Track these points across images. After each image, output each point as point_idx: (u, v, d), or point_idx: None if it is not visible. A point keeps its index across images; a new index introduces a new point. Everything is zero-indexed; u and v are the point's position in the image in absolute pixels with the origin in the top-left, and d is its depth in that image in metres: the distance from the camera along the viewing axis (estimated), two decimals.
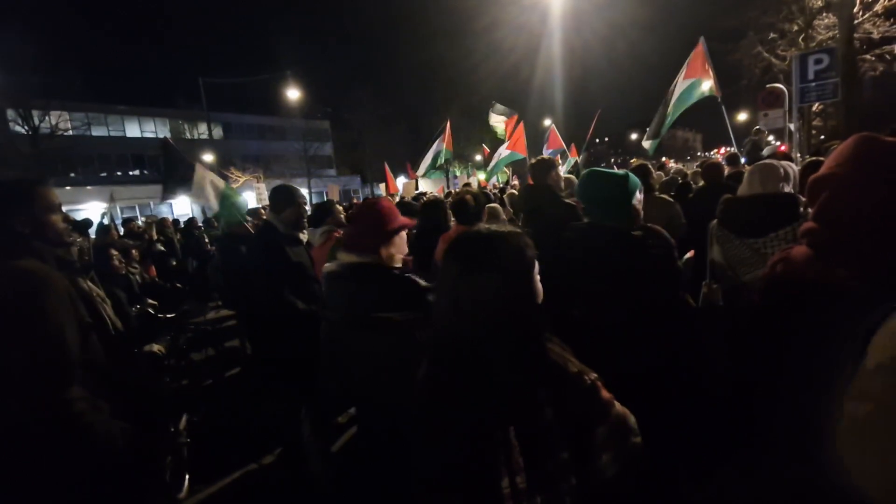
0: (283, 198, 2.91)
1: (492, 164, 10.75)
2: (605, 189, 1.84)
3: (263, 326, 2.67)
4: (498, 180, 13.45)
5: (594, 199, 1.88)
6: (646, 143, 7.78)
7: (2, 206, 1.55)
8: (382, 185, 16.64)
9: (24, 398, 1.39)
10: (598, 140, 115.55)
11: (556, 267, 1.93)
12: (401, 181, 16.05)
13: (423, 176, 11.91)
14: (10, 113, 22.54)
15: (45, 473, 1.43)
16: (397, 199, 9.55)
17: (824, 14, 15.89)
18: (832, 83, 8.24)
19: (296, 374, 2.49)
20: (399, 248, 1.95)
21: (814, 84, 8.38)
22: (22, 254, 1.51)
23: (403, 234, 1.98)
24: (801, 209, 1.96)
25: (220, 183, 4.53)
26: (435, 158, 10.87)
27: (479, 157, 35.18)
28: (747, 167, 4.81)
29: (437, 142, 10.77)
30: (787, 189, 2.07)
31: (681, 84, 6.92)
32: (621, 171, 1.90)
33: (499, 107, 11.50)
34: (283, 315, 2.11)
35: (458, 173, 32.79)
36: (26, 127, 22.64)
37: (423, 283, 1.88)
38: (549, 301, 1.15)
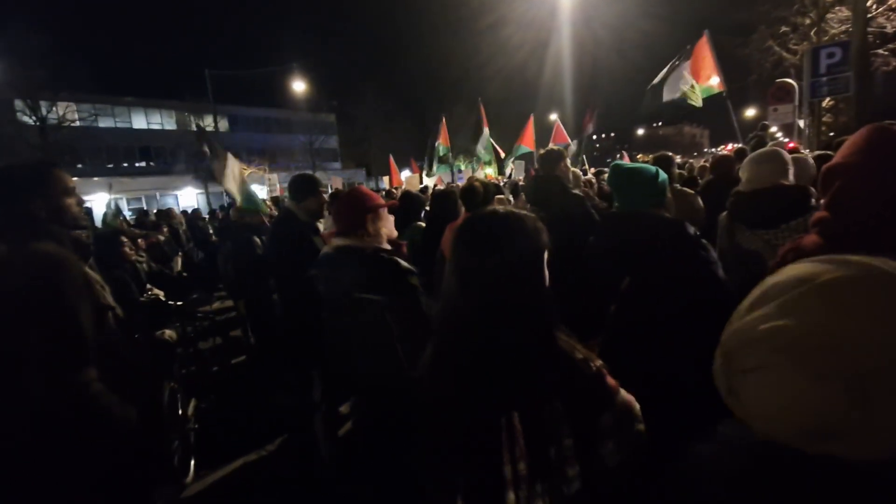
0: (304, 186, 2.94)
1: (502, 156, 10.74)
2: (634, 180, 1.82)
3: (287, 313, 2.70)
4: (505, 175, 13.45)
5: (625, 191, 1.86)
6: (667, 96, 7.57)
7: (19, 190, 1.57)
8: (386, 178, 16.63)
9: (42, 379, 1.42)
10: (603, 135, 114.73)
11: (593, 258, 1.91)
12: (405, 175, 16.06)
13: (429, 175, 11.97)
14: (18, 103, 22.64)
15: (60, 453, 1.45)
16: (401, 191, 9.54)
17: (837, 8, 15.65)
18: (844, 77, 8.14)
19: (315, 360, 2.52)
20: (383, 228, 2.03)
21: (825, 78, 8.28)
22: (40, 237, 1.52)
23: (385, 214, 2.07)
24: (813, 200, 1.95)
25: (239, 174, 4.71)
26: (434, 156, 10.92)
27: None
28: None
29: (432, 139, 10.83)
30: (791, 178, 2.06)
31: (686, 77, 6.83)
32: (652, 167, 1.89)
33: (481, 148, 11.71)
34: (309, 302, 2.15)
35: (462, 167, 32.69)
36: (34, 118, 22.75)
37: (404, 264, 1.94)
38: (580, 295, 1.13)
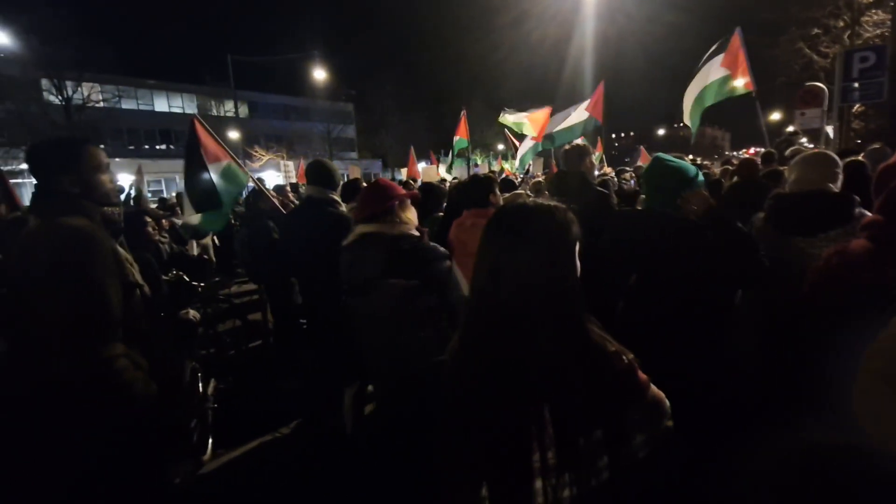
0: (332, 173, 2.99)
1: (521, 153, 10.64)
2: (674, 178, 1.77)
3: (316, 297, 2.73)
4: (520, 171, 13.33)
5: (661, 186, 1.81)
6: (688, 120, 7.41)
7: (53, 164, 1.59)
8: (404, 170, 16.65)
9: (68, 352, 1.44)
10: (622, 134, 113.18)
11: (604, 254, 1.89)
12: (421, 167, 16.06)
13: (448, 171, 11.98)
14: (45, 83, 23.05)
15: (84, 425, 1.48)
16: (419, 183, 9.52)
17: (872, 11, 15.16)
18: (878, 83, 7.89)
19: (343, 343, 2.54)
20: (409, 216, 2.08)
21: (857, 83, 8.04)
22: (70, 212, 1.54)
23: (409, 204, 2.12)
24: (857, 210, 1.88)
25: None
26: (452, 150, 10.92)
27: (500, 146, 34.88)
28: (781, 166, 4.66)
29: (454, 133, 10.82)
30: (839, 185, 1.98)
31: (716, 69, 6.64)
32: (692, 167, 1.83)
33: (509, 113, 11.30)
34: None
35: (479, 162, 32.57)
36: (60, 97, 23.15)
37: (438, 249, 1.98)
38: (590, 290, 1.12)
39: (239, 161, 4.64)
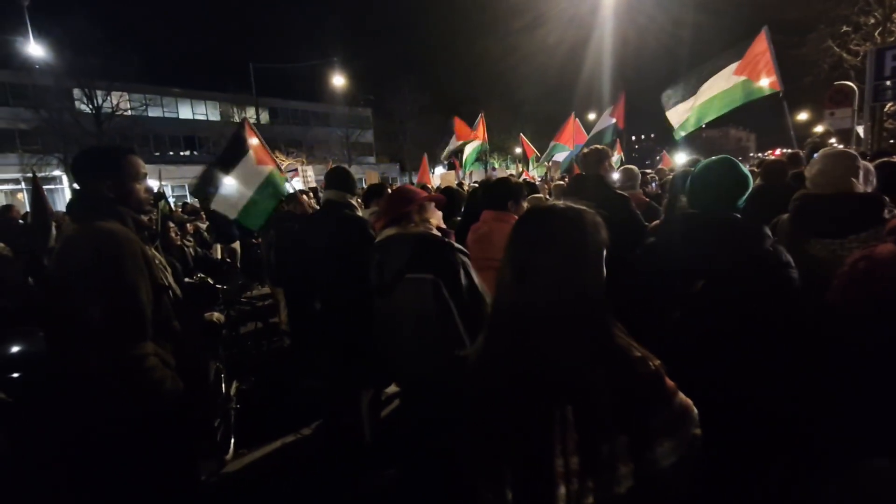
0: (350, 178, 3.05)
1: (542, 155, 10.60)
2: (732, 178, 1.67)
3: (336, 300, 2.79)
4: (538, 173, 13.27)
5: (717, 187, 1.69)
6: (672, 119, 6.66)
7: (93, 171, 1.67)
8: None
9: (100, 349, 1.49)
10: (643, 136, 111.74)
11: (652, 262, 1.79)
12: (439, 171, 16.13)
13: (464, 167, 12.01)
14: (77, 92, 23.99)
15: (113, 421, 1.52)
16: (439, 187, 9.53)
17: None
18: None
19: (361, 351, 2.57)
20: (431, 217, 2.13)
21: (890, 81, 7.78)
22: (105, 216, 1.61)
23: (431, 206, 2.17)
24: (886, 211, 1.81)
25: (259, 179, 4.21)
26: (474, 152, 10.89)
27: (518, 150, 34.82)
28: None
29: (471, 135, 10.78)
30: (861, 185, 1.93)
31: (729, 77, 6.44)
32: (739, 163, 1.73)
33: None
34: (361, 293, 2.25)
35: (496, 165, 32.57)
36: (90, 106, 24.06)
37: (454, 243, 2.01)
38: (642, 300, 1.09)
39: (282, 169, 4.62)
